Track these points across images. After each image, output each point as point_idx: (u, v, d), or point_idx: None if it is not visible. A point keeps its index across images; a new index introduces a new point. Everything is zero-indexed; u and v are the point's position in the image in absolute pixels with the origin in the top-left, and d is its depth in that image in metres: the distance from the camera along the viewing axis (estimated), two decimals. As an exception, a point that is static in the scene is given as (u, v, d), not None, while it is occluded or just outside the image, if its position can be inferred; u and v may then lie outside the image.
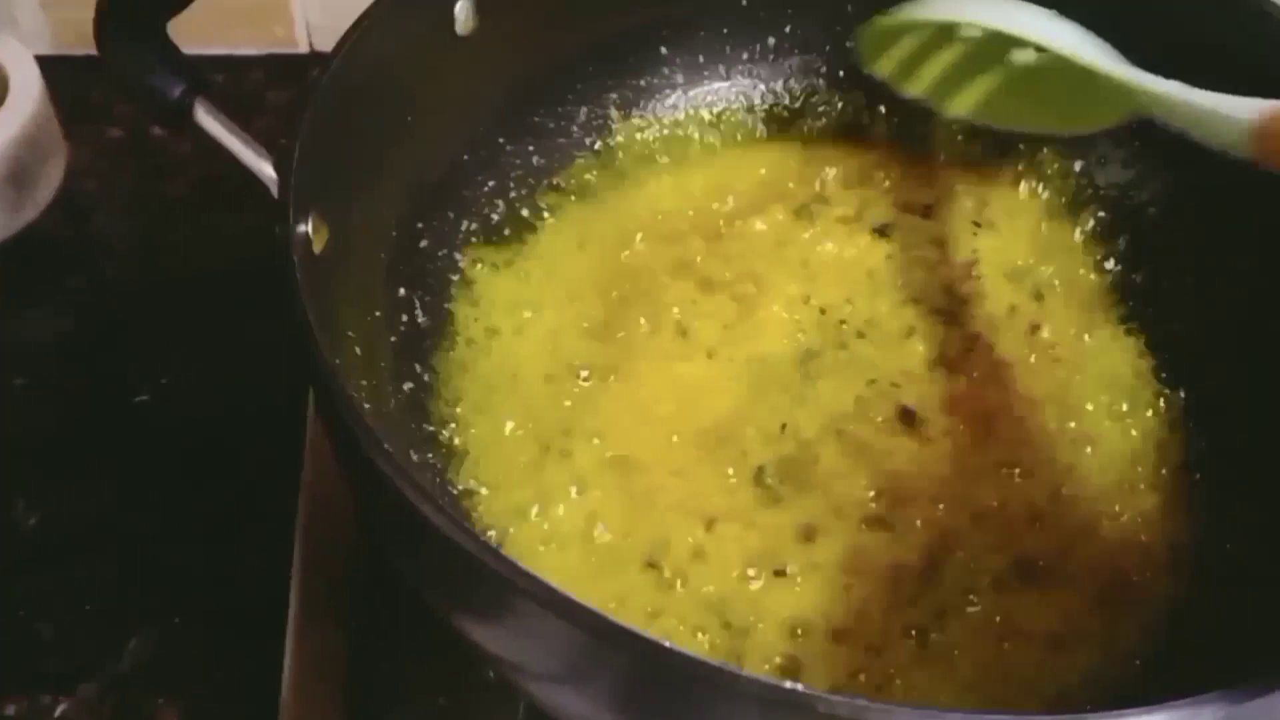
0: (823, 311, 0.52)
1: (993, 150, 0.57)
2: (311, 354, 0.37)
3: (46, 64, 0.61)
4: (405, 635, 0.46)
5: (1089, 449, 0.49)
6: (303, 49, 0.70)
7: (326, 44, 0.70)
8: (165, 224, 0.64)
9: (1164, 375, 0.51)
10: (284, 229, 0.39)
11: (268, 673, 0.46)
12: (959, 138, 0.57)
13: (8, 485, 0.54)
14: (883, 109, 0.58)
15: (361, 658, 0.46)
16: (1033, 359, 0.51)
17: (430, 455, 0.46)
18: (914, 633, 0.43)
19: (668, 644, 0.30)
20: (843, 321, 0.52)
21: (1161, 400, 0.51)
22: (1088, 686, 0.43)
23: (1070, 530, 0.47)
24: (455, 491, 0.46)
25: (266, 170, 0.40)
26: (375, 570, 0.48)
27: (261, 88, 0.69)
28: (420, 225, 0.50)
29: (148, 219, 0.64)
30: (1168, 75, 0.46)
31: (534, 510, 0.46)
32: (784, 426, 0.48)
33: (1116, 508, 0.47)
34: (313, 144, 0.40)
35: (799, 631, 0.43)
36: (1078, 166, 0.56)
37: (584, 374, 0.50)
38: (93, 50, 0.67)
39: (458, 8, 0.48)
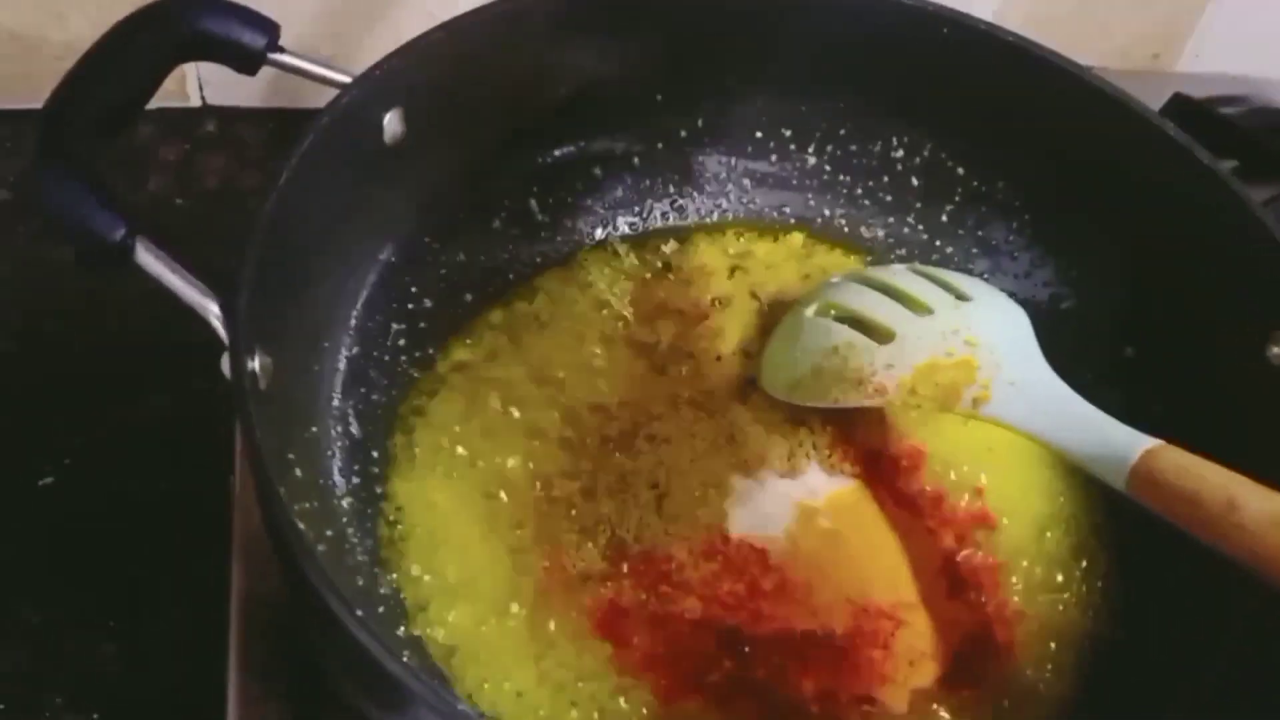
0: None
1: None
2: (266, 493, 0.38)
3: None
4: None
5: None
6: (194, 102, 0.69)
7: (218, 97, 0.69)
8: (54, 290, 0.62)
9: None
10: (236, 370, 0.39)
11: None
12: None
13: (-93, 579, 0.52)
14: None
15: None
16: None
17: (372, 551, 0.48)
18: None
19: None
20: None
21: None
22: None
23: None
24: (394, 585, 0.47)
25: (211, 308, 0.40)
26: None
27: (153, 144, 0.67)
28: (353, 332, 0.50)
29: (35, 285, 0.62)
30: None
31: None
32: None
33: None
34: (256, 280, 0.41)
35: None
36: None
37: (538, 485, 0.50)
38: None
39: (387, 118, 0.48)
